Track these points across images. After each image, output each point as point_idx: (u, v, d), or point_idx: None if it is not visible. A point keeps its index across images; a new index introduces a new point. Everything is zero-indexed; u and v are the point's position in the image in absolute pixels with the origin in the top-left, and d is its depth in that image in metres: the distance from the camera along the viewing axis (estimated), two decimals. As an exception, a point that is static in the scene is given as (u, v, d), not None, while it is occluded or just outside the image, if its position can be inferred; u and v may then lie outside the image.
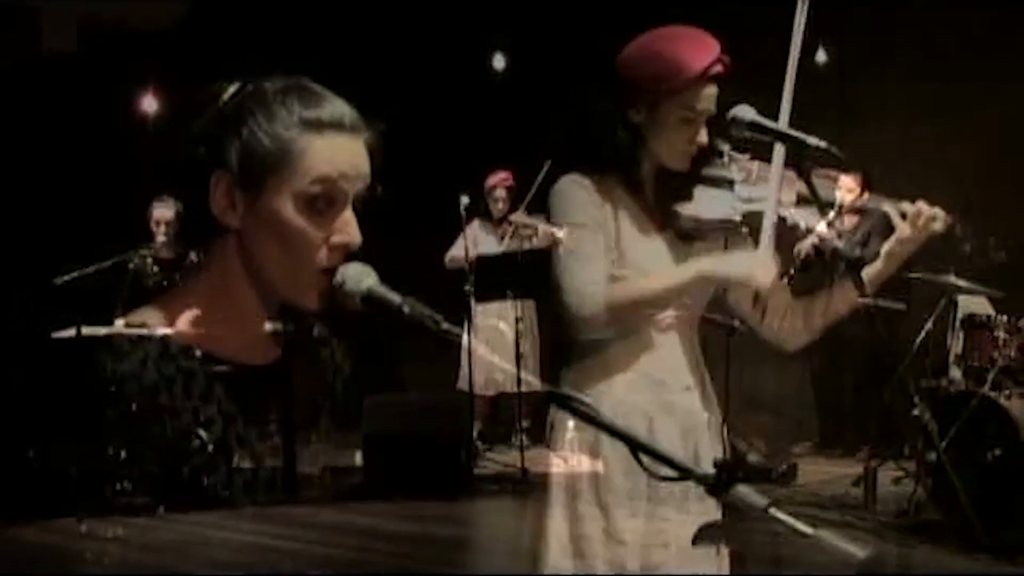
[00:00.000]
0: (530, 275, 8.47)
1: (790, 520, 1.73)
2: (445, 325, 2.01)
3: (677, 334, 3.37)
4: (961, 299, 7.72)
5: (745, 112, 3.18)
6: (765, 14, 3.40)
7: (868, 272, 3.33)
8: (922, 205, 3.21)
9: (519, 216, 8.99)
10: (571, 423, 3.40)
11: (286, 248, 2.06)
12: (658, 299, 3.27)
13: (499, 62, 11.37)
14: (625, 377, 3.31)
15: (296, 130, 2.06)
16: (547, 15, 10.41)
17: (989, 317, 7.09)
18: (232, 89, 2.13)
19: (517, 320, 8.81)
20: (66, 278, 8.11)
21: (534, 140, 8.76)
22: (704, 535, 1.99)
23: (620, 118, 3.29)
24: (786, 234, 3.27)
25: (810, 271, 8.38)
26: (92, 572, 1.84)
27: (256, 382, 2.17)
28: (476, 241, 8.96)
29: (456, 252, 8.98)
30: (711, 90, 3.25)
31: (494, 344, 9.22)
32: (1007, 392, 6.46)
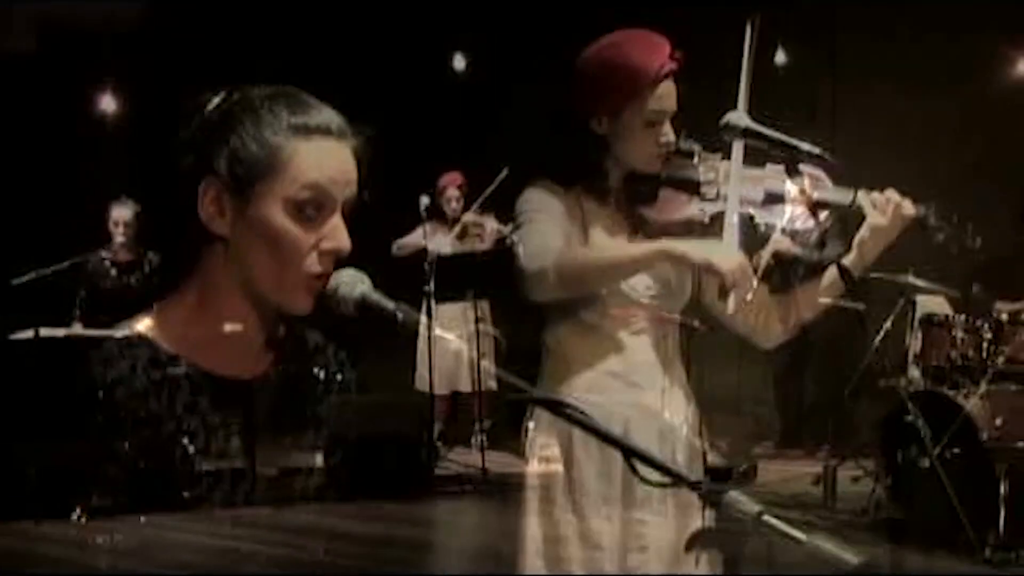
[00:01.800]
0: (490, 275, 8.48)
1: (783, 526, 1.73)
2: (438, 331, 2.02)
3: (650, 336, 3.37)
4: (920, 299, 7.76)
5: (739, 119, 3.17)
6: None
7: (843, 264, 3.34)
8: (891, 193, 3.22)
9: (471, 216, 8.99)
10: (547, 428, 3.39)
11: (276, 254, 2.05)
12: (611, 269, 3.24)
13: (459, 62, 11.36)
14: (599, 380, 3.31)
15: (285, 136, 2.05)
16: (504, 17, 10.41)
17: (947, 317, 7.13)
18: (218, 97, 2.11)
19: (477, 320, 8.81)
20: (23, 279, 8.04)
21: (489, 140, 8.78)
22: (696, 541, 1.99)
23: (583, 131, 3.29)
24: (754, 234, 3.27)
25: (771, 279, 8.35)
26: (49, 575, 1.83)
27: (242, 391, 2.16)
28: (429, 241, 8.95)
29: (408, 240, 9.01)
30: (669, 88, 3.25)
31: (441, 347, 9.26)
32: (965, 391, 6.49)
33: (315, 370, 2.36)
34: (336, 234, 2.10)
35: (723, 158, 3.35)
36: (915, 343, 7.41)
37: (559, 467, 3.38)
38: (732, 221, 3.24)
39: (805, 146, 3.12)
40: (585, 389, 3.30)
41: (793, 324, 3.49)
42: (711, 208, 3.31)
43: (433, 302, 8.53)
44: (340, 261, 2.11)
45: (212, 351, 2.12)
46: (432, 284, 8.39)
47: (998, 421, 6.29)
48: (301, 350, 2.31)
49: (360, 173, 2.16)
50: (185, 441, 2.07)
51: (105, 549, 1.84)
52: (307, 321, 2.17)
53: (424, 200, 8.52)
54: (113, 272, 8.63)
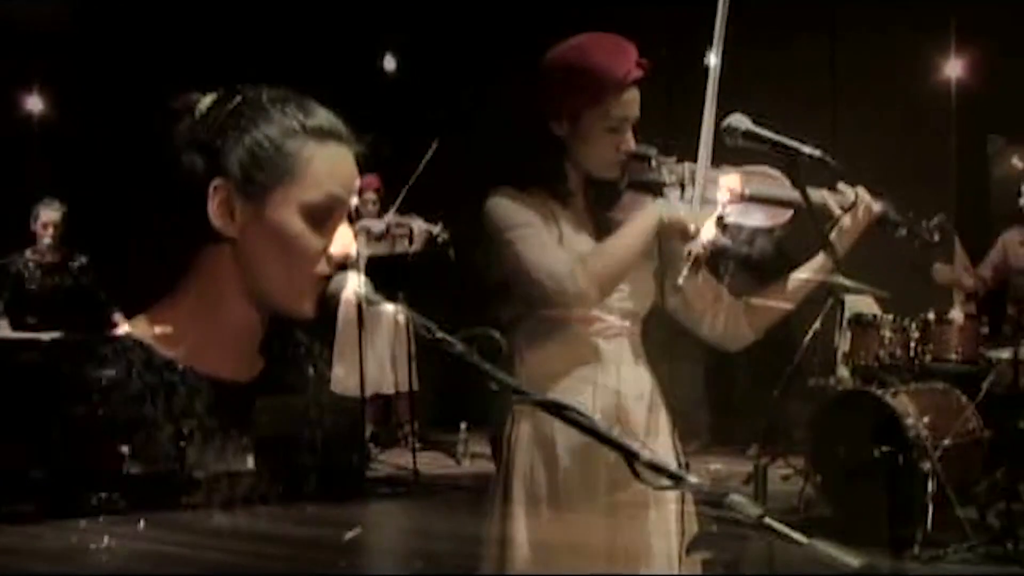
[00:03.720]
0: (420, 277, 8.48)
1: (784, 528, 1.73)
2: (439, 333, 2.01)
3: (628, 341, 3.36)
4: (848, 299, 7.82)
5: (740, 121, 3.16)
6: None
7: (812, 266, 3.37)
8: (862, 193, 3.24)
9: (394, 217, 8.97)
10: (531, 433, 3.36)
11: (289, 258, 2.02)
12: (633, 252, 3.21)
13: (389, 63, 11.32)
14: (577, 387, 3.28)
15: (302, 139, 2.02)
16: (435, 17, 10.39)
17: (875, 316, 7.19)
18: (222, 97, 2.08)
19: (398, 322, 8.79)
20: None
21: (407, 144, 8.75)
22: (697, 545, 1.98)
23: (542, 132, 3.26)
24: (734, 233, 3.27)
25: (699, 268, 8.38)
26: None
27: (240, 394, 2.13)
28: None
29: None
30: (632, 95, 3.22)
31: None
32: (893, 390, 6.55)
33: (306, 368, 2.35)
34: (344, 238, 2.09)
35: (678, 161, 3.35)
36: (844, 343, 7.47)
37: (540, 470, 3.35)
38: (698, 188, 3.24)
39: (806, 148, 3.11)
40: (575, 398, 3.27)
41: (760, 326, 3.51)
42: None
43: (365, 304, 8.49)
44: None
45: (211, 354, 2.09)
46: (362, 287, 8.32)
47: (925, 419, 6.36)
48: (292, 350, 2.29)
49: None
50: (183, 444, 2.05)
51: (36, 554, 1.82)
52: (286, 321, 2.15)
53: (352, 201, 8.48)
54: (39, 274, 8.54)
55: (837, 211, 3.27)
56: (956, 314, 6.96)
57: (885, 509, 6.10)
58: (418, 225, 8.78)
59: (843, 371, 7.59)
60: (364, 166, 2.07)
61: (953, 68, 8.99)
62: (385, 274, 8.39)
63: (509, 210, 3.24)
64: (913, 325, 6.94)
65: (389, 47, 11.20)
